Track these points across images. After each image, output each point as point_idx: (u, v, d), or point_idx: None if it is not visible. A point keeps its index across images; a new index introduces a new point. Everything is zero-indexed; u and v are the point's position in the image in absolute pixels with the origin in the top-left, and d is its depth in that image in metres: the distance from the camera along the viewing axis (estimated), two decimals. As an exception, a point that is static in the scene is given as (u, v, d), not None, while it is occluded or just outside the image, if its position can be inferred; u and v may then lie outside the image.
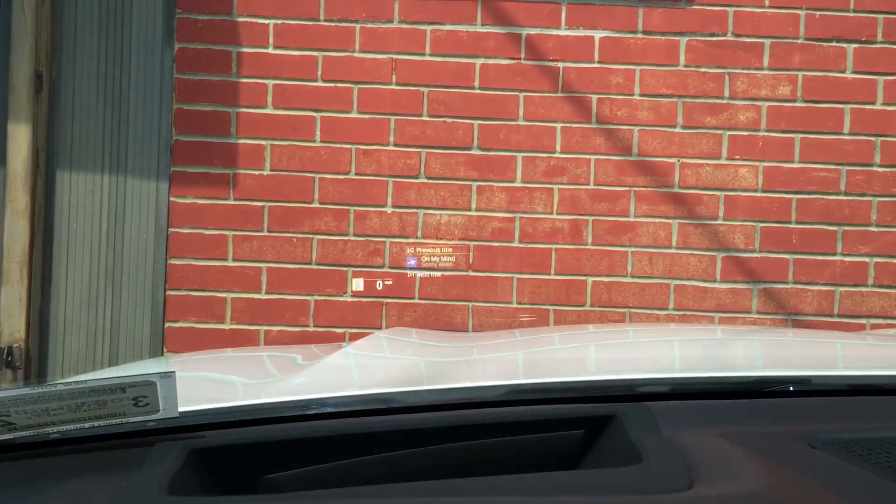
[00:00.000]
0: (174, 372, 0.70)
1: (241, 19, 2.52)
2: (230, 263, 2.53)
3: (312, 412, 0.81)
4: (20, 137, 2.43)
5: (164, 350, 2.53)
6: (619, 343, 1.29)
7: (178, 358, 1.45)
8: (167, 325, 2.53)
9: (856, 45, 2.53)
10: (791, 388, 0.85)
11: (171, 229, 2.52)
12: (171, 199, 2.52)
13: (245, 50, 2.52)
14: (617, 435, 0.73)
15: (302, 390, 0.90)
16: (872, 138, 2.54)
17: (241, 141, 2.53)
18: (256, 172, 2.53)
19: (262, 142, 2.53)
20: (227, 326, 2.53)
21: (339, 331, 2.55)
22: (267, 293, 2.54)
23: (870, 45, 2.53)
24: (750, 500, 0.57)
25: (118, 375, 0.71)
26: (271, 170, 2.53)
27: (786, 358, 1.15)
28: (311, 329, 2.54)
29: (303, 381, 0.96)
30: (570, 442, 0.77)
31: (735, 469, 0.62)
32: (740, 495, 0.58)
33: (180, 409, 0.72)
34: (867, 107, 2.54)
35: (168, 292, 2.53)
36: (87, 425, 0.69)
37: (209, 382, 1.06)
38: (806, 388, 0.86)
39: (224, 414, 0.80)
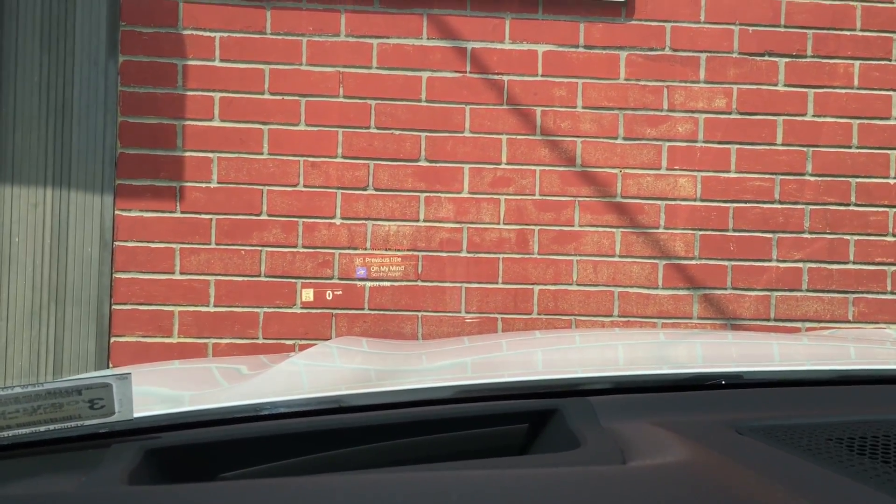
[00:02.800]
0: (130, 374, 0.72)
1: (186, 32, 2.51)
2: (177, 277, 2.52)
3: (266, 413, 0.83)
4: (-41, 151, 2.39)
5: (110, 365, 2.50)
6: (564, 346, 1.33)
7: (125, 370, 1.45)
8: (113, 339, 2.50)
9: (787, 59, 2.64)
10: (723, 382, 0.90)
11: (117, 243, 2.50)
12: (117, 212, 2.50)
13: (191, 63, 2.52)
14: (559, 426, 0.77)
15: (253, 395, 0.92)
16: (804, 148, 2.64)
17: (188, 153, 2.52)
18: (203, 185, 2.53)
19: (209, 154, 2.53)
20: (174, 340, 2.52)
21: (290, 342, 2.55)
22: (215, 306, 2.53)
23: (800, 59, 2.64)
24: (677, 471, 0.62)
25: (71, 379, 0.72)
26: (219, 182, 2.53)
27: (721, 356, 1.20)
28: (260, 341, 2.54)
29: (254, 387, 0.98)
30: (516, 435, 0.81)
31: (665, 450, 0.67)
32: (668, 467, 0.62)
33: (135, 414, 0.73)
34: (798, 118, 2.64)
35: (114, 306, 2.50)
36: (42, 428, 0.70)
37: (160, 390, 1.07)
38: (738, 382, 0.91)
39: (178, 416, 0.82)
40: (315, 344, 1.34)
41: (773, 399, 0.87)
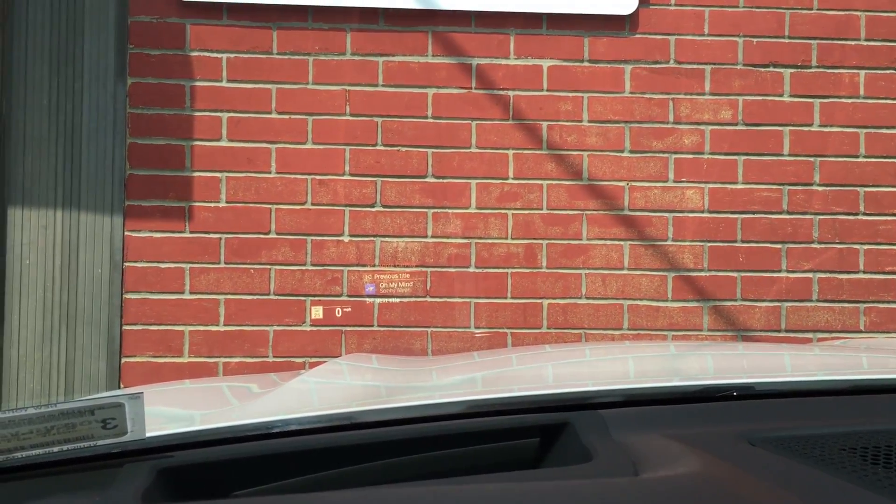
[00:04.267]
0: (142, 393, 0.72)
1: (193, 54, 2.53)
2: (187, 296, 2.53)
3: (277, 430, 0.83)
4: (-30, 175, 2.41)
5: (121, 386, 2.50)
6: (574, 359, 1.33)
7: (137, 390, 1.45)
8: (124, 360, 2.51)
9: (792, 70, 2.64)
10: (735, 394, 0.89)
11: (127, 263, 2.51)
12: (126, 233, 2.52)
13: (198, 84, 2.53)
14: (570, 440, 0.77)
15: (265, 413, 0.92)
16: (811, 159, 2.64)
17: (196, 174, 2.53)
18: (212, 205, 2.54)
19: (218, 174, 2.54)
20: (184, 360, 2.52)
21: (299, 360, 2.56)
22: (225, 325, 2.54)
23: (805, 70, 2.64)
24: (689, 483, 0.61)
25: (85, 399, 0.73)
26: (227, 201, 2.54)
27: (732, 368, 1.20)
28: (270, 360, 2.55)
29: (266, 404, 0.98)
30: (528, 449, 0.81)
31: (677, 461, 0.67)
32: (680, 478, 0.62)
33: (147, 433, 0.73)
34: (805, 129, 2.64)
35: (124, 327, 2.51)
36: (55, 449, 0.70)
37: (171, 409, 1.07)
38: (750, 393, 0.91)
39: (191, 435, 0.82)
40: (325, 361, 1.34)
41: (786, 410, 0.86)
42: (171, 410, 1.06)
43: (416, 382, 1.14)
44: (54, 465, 0.74)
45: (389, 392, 1.07)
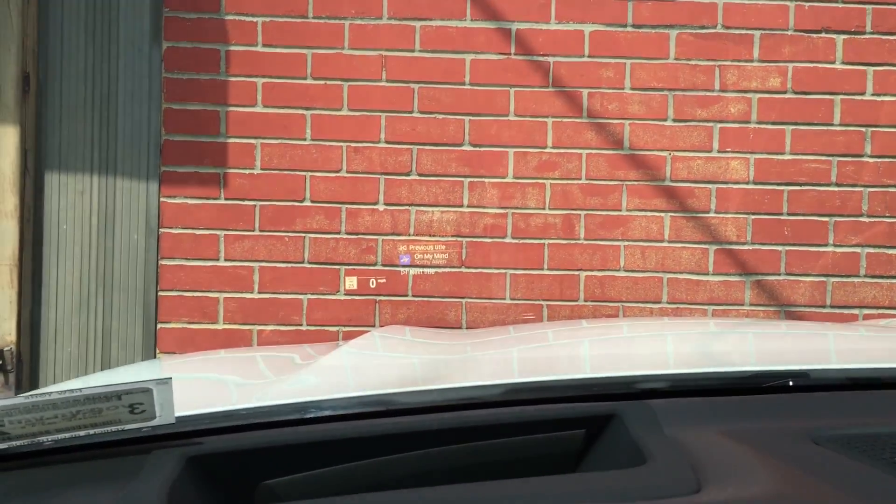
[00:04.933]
0: (171, 378, 0.70)
1: (228, 17, 2.50)
2: (222, 263, 2.52)
3: (310, 416, 0.80)
4: (8, 139, 2.41)
5: (157, 352, 2.51)
6: (615, 339, 1.28)
7: (171, 360, 1.44)
8: (159, 326, 2.51)
9: (845, 36, 2.54)
10: (790, 384, 0.84)
11: (162, 230, 2.51)
12: (162, 199, 2.51)
13: (233, 48, 2.50)
14: (619, 434, 0.72)
15: (298, 393, 0.89)
16: (862, 129, 2.54)
17: (231, 140, 2.51)
18: (247, 171, 2.52)
19: (252, 140, 2.52)
20: (219, 327, 2.52)
21: (333, 329, 2.54)
22: (259, 293, 2.53)
23: (859, 36, 2.54)
24: (761, 497, 0.56)
25: (112, 381, 0.70)
26: (262, 168, 2.52)
27: (782, 352, 1.14)
28: (304, 328, 2.53)
29: (298, 383, 0.96)
30: (572, 441, 0.77)
31: (741, 469, 0.62)
32: (751, 499, 0.57)
33: (177, 414, 0.71)
34: (857, 97, 2.54)
35: (160, 293, 2.51)
36: (82, 433, 0.68)
37: (204, 386, 1.05)
38: (805, 383, 0.86)
39: (220, 419, 0.79)
40: (359, 332, 1.31)
41: (846, 402, 0.81)
42: (203, 386, 1.04)
43: (452, 363, 1.10)
44: (81, 450, 0.72)
45: (425, 371, 1.04)
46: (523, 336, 1.34)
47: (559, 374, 0.94)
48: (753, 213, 2.55)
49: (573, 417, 0.77)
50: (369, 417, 0.80)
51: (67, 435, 0.67)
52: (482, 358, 1.12)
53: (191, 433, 0.75)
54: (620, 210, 2.55)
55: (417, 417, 0.79)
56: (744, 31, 2.53)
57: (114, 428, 0.69)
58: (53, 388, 0.71)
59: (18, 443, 0.66)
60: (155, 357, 2.52)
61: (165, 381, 0.69)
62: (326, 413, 0.81)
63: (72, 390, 0.66)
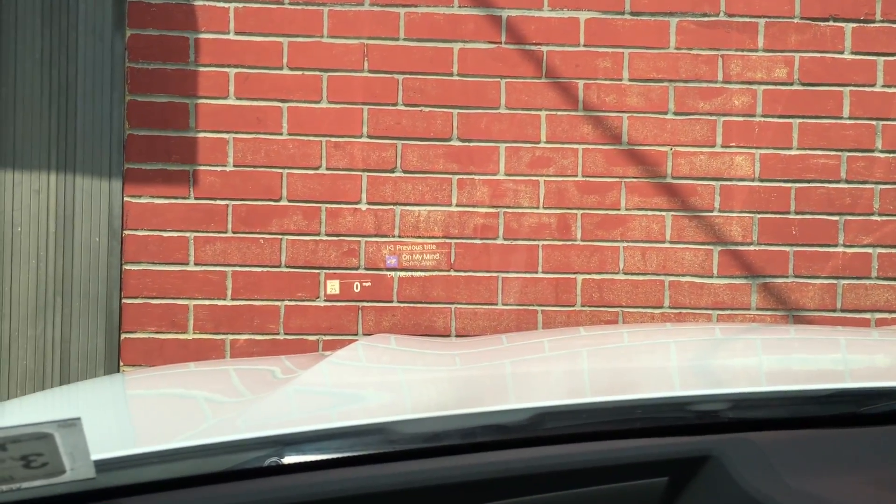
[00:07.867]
0: (80, 418, 0.50)
1: (198, 3, 2.33)
2: (192, 268, 2.34)
3: (295, 459, 0.61)
4: (-45, 134, 2.22)
5: (121, 364, 2.33)
6: (659, 348, 1.07)
7: (134, 376, 1.25)
8: (123, 336, 2.33)
9: (854, 25, 2.41)
10: None
11: (126, 231, 2.33)
12: (126, 198, 2.33)
13: (203, 36, 2.33)
14: (719, 485, 0.53)
15: (267, 425, 0.71)
16: (873, 122, 2.42)
17: (201, 134, 2.34)
18: (219, 168, 2.35)
19: (225, 135, 2.35)
20: (189, 336, 2.34)
21: (312, 338, 2.37)
22: (233, 299, 2.35)
23: (868, 25, 2.41)
24: None
25: (19, 418, 0.51)
26: (235, 165, 2.35)
27: (877, 365, 0.95)
28: (281, 337, 2.36)
29: (271, 411, 0.77)
30: (651, 493, 0.57)
31: None
32: None
33: (102, 456, 0.52)
34: (867, 89, 2.41)
35: (124, 300, 2.33)
36: None
37: (161, 411, 0.86)
38: None
39: (160, 461, 0.60)
40: (341, 341, 1.14)
41: None
42: (157, 414, 0.84)
43: (476, 380, 0.92)
44: None
45: (420, 396, 0.85)
46: (522, 346, 1.18)
47: (603, 396, 0.73)
48: (759, 212, 2.41)
49: (652, 462, 0.57)
50: (369, 462, 0.61)
51: None
52: (493, 375, 0.94)
53: (120, 490, 0.55)
54: (619, 209, 2.40)
55: (425, 465, 0.60)
56: (748, 19, 2.40)
57: (5, 487, 0.50)
58: None
59: None
60: (118, 370, 2.33)
61: (73, 423, 0.50)
62: (303, 460, 0.61)
63: None
